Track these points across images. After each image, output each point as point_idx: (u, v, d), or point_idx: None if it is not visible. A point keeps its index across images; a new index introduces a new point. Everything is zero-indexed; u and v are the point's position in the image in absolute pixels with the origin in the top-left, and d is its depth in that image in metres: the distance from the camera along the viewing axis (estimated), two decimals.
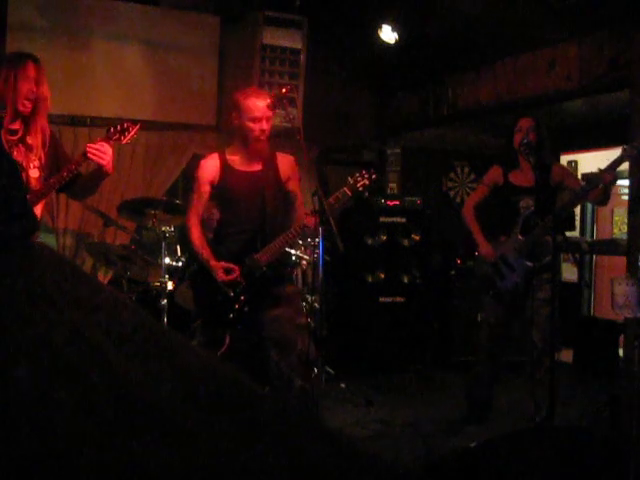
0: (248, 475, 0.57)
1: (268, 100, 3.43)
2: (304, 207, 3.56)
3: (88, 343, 0.80)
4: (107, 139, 3.10)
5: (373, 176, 3.34)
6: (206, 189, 3.48)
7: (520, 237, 4.01)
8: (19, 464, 0.55)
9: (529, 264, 3.99)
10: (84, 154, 3.04)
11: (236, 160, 3.48)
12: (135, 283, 4.96)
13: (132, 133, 3.16)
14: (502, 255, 4.07)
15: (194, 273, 3.73)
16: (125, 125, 3.15)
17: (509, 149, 4.15)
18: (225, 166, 3.47)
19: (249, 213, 3.43)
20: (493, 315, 4.16)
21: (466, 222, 4.28)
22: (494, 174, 4.26)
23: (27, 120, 3.05)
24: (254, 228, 3.41)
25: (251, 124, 3.37)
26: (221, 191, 3.49)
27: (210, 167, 3.49)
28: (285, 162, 3.53)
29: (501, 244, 4.11)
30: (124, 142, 3.18)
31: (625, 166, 4.81)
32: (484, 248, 4.16)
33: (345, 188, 3.31)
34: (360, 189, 3.32)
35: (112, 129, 3.14)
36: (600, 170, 3.76)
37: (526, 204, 4.00)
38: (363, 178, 3.33)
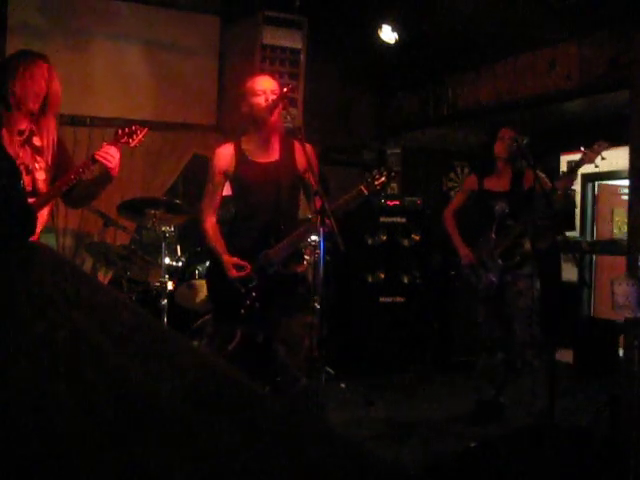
0: (248, 475, 0.57)
1: (271, 78, 3.37)
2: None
3: (88, 343, 0.80)
4: (115, 142, 3.04)
5: (392, 173, 3.24)
6: (220, 180, 3.39)
7: (493, 237, 4.25)
8: (19, 464, 0.55)
9: (500, 262, 4.21)
10: (92, 157, 2.98)
11: (251, 150, 3.37)
12: (135, 283, 4.96)
13: (140, 136, 3.10)
14: (478, 256, 4.32)
15: (209, 265, 3.69)
16: (133, 128, 3.09)
17: (487, 155, 4.38)
18: (240, 156, 3.37)
19: (263, 206, 3.32)
20: (480, 314, 4.41)
21: (445, 227, 4.57)
22: (470, 181, 4.57)
23: (35, 120, 2.98)
24: (268, 221, 3.31)
25: (256, 98, 3.27)
26: (235, 182, 3.41)
27: (224, 156, 3.38)
28: (303, 151, 3.23)
29: (478, 246, 4.35)
30: (132, 145, 3.11)
31: (625, 166, 4.81)
32: (461, 251, 4.42)
33: (361, 187, 3.18)
34: (378, 188, 3.20)
35: (120, 131, 3.07)
36: (562, 172, 3.96)
37: (500, 207, 4.25)
38: (381, 176, 3.19)
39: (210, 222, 3.39)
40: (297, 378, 3.29)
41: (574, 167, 3.91)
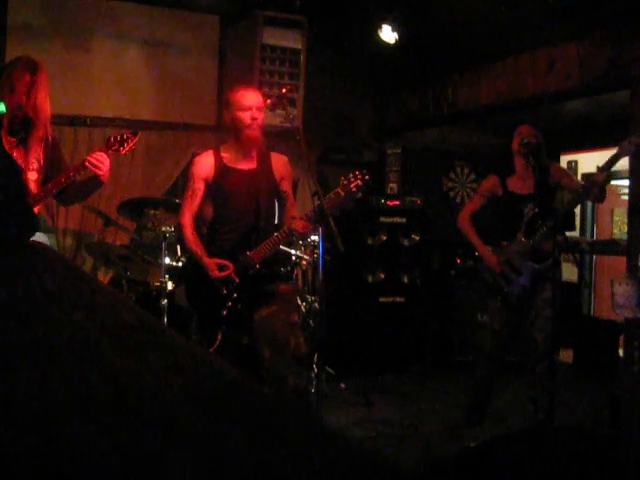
0: (248, 475, 0.57)
1: (258, 93, 3.44)
2: (295, 209, 3.56)
3: (88, 343, 0.80)
4: (106, 149, 3.10)
5: (366, 177, 3.27)
6: (200, 186, 3.47)
7: (524, 240, 3.99)
8: (19, 464, 0.55)
9: (535, 266, 3.97)
10: (83, 163, 3.05)
11: (230, 158, 3.48)
12: (135, 283, 4.95)
13: (131, 144, 3.16)
14: (507, 260, 4.05)
15: (187, 270, 3.72)
16: (125, 136, 3.15)
17: (507, 153, 4.17)
18: (219, 164, 3.47)
19: (243, 211, 3.42)
20: (499, 321, 4.12)
21: (464, 233, 4.26)
22: (491, 184, 4.24)
23: (28, 122, 3.04)
24: (248, 226, 3.41)
25: (241, 113, 3.37)
26: (215, 189, 3.48)
27: (204, 164, 3.49)
28: (279, 162, 3.53)
29: (504, 249, 4.09)
30: (123, 153, 3.18)
31: (625, 166, 4.82)
32: (488, 258, 4.12)
33: (338, 189, 3.26)
34: (353, 190, 3.24)
35: (111, 139, 3.14)
36: (597, 168, 3.77)
37: (530, 209, 3.99)
38: (356, 179, 3.25)
39: (189, 227, 3.47)
40: (283, 377, 3.28)
41: (611, 161, 3.66)
